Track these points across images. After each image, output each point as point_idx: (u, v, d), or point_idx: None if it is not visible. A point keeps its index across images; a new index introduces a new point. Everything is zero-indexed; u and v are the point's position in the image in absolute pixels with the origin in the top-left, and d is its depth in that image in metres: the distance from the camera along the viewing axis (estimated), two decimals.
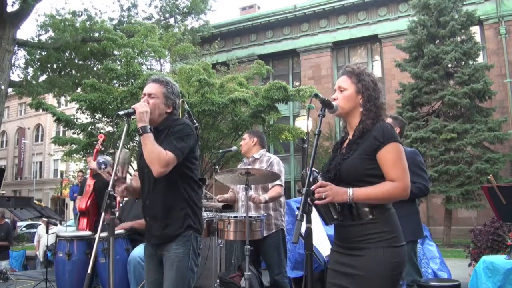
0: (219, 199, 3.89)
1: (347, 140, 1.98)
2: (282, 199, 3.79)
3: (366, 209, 1.80)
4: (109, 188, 2.05)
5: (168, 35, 13.82)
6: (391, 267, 1.75)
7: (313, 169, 1.82)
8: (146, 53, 12.88)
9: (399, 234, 1.82)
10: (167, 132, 2.30)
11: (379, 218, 1.80)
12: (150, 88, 2.37)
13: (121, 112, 2.20)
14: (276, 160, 3.76)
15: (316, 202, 1.74)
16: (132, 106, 2.24)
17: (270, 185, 3.65)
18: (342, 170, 1.85)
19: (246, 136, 3.97)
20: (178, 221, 2.27)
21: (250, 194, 3.38)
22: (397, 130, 3.54)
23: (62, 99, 19.00)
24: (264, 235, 3.55)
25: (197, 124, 2.70)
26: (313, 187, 1.73)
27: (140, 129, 2.18)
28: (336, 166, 1.88)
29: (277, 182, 3.59)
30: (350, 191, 1.75)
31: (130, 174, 5.38)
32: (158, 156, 2.14)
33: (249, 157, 3.88)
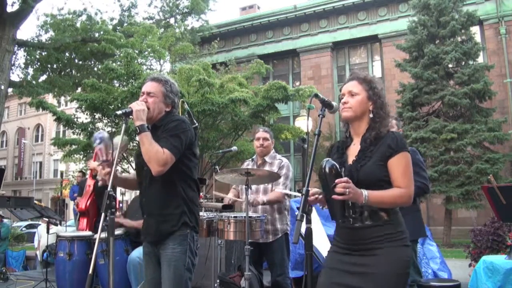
0: (229, 201, 3.79)
1: (353, 146, 2.01)
2: (287, 202, 3.75)
3: (378, 212, 1.86)
4: (109, 188, 2.05)
5: (168, 35, 13.81)
6: (404, 265, 1.84)
7: (330, 159, 1.82)
8: (145, 53, 12.88)
9: (407, 235, 1.91)
10: (163, 128, 2.28)
11: (393, 220, 1.88)
12: (149, 86, 2.36)
13: (119, 112, 2.20)
14: (287, 164, 3.68)
15: (335, 197, 1.73)
16: (129, 105, 2.23)
17: (274, 187, 3.60)
18: (361, 175, 1.87)
19: (267, 135, 3.72)
20: (174, 218, 2.26)
21: (250, 198, 3.35)
22: (401, 131, 3.59)
23: (62, 99, 18.96)
24: (271, 240, 3.55)
25: (197, 124, 2.69)
26: (338, 180, 1.72)
27: (137, 127, 2.17)
28: (353, 171, 1.90)
29: (280, 186, 3.55)
30: (366, 193, 1.78)
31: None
32: (156, 155, 2.14)
33: (260, 158, 3.75)
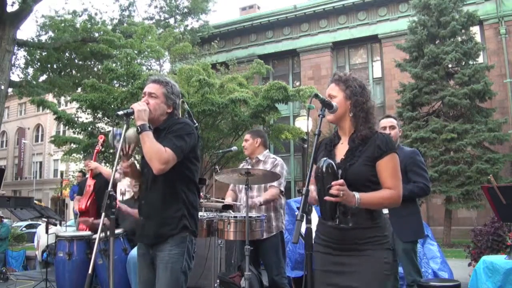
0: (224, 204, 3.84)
1: (340, 144, 2.04)
2: (283, 201, 3.77)
3: (369, 214, 1.88)
4: (109, 188, 2.05)
5: (166, 35, 13.80)
6: (390, 267, 1.87)
7: (328, 159, 1.84)
8: (145, 53, 12.87)
9: (390, 239, 1.95)
10: (167, 130, 2.29)
11: (380, 223, 1.91)
12: (151, 88, 2.37)
13: (120, 112, 2.19)
14: (281, 163, 3.72)
15: (328, 198, 1.74)
16: (131, 106, 2.24)
17: (268, 186, 3.64)
18: (349, 175, 1.88)
19: (248, 136, 3.87)
20: (174, 221, 2.25)
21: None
22: (401, 132, 3.59)
23: (62, 99, 18.97)
24: (265, 236, 3.55)
25: (197, 124, 2.70)
26: (334, 182, 1.74)
27: (139, 127, 2.17)
28: (342, 170, 1.91)
29: (275, 183, 3.57)
30: (358, 195, 1.78)
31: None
32: (157, 154, 2.14)
33: (253, 158, 3.82)
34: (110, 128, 13.42)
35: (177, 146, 2.19)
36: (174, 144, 2.19)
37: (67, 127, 13.02)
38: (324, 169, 1.79)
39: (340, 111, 1.98)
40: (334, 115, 1.98)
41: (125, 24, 15.60)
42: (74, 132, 13.15)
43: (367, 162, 1.90)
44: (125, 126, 2.20)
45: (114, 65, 11.77)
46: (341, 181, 1.75)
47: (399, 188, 1.89)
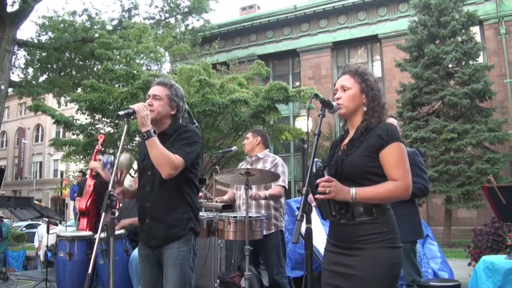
0: (218, 201, 3.89)
1: (348, 138, 1.97)
2: (282, 200, 3.79)
3: (368, 209, 1.79)
4: (109, 188, 2.05)
5: (165, 35, 13.77)
6: (389, 268, 1.75)
7: (319, 161, 1.83)
8: (142, 55, 12.84)
9: (397, 235, 1.83)
10: (175, 137, 2.35)
11: (379, 218, 1.79)
12: (155, 90, 2.42)
13: (121, 112, 2.20)
14: (281, 162, 3.76)
15: (318, 196, 1.72)
16: (131, 106, 2.23)
17: (272, 185, 3.64)
18: (344, 167, 1.83)
19: (249, 135, 3.94)
20: (182, 223, 2.31)
21: (251, 192, 3.38)
22: (401, 131, 3.59)
23: (62, 99, 18.96)
24: (264, 233, 3.55)
25: (197, 124, 2.72)
26: (318, 180, 1.71)
27: (144, 133, 2.19)
28: (338, 162, 1.87)
29: (280, 182, 3.59)
30: (353, 190, 1.73)
31: (132, 176, 5.39)
32: (168, 159, 2.19)
33: (252, 156, 3.86)
34: (110, 129, 13.40)
35: (187, 153, 2.27)
36: (185, 151, 2.27)
37: (65, 129, 13.02)
38: (313, 171, 1.79)
39: (353, 105, 1.91)
40: (346, 108, 1.91)
41: (123, 25, 15.60)
42: (73, 134, 13.14)
43: (366, 152, 1.80)
44: (125, 128, 2.20)
45: (113, 66, 11.75)
46: (326, 177, 1.72)
47: (405, 178, 1.76)
